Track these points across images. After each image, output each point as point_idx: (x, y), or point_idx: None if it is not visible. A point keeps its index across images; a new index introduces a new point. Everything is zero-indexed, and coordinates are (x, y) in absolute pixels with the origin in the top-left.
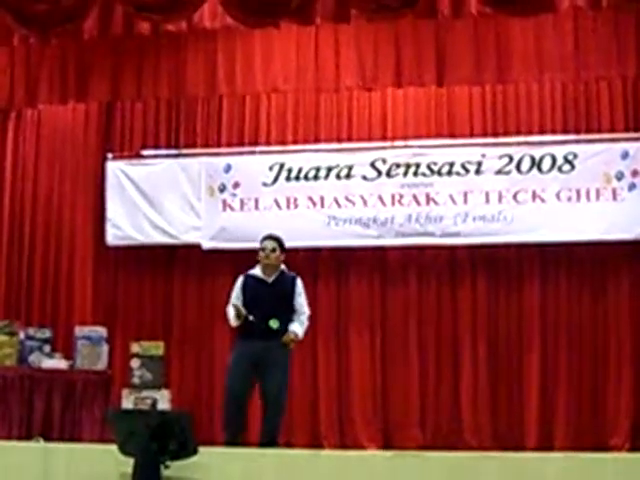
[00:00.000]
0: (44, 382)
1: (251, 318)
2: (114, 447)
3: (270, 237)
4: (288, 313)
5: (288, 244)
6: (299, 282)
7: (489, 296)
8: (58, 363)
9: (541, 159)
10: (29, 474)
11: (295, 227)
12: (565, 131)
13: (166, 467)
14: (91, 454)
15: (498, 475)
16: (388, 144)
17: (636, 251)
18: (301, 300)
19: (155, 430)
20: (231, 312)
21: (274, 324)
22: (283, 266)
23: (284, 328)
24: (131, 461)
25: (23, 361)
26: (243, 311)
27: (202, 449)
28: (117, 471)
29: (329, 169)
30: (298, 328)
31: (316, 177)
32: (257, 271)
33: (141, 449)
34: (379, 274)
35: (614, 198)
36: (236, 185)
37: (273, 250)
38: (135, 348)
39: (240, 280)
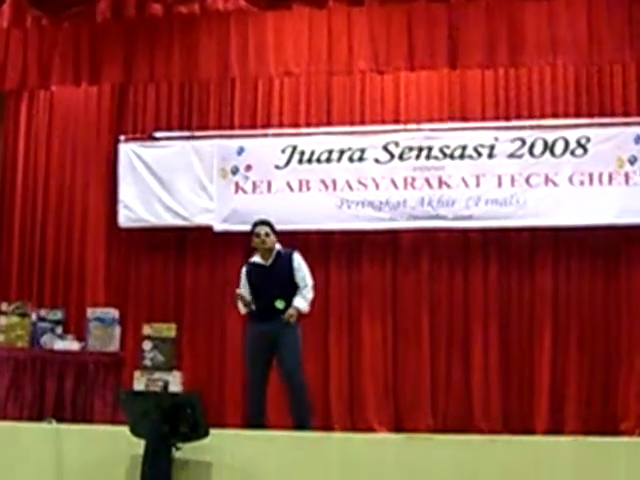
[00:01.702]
0: (56, 364)
1: (253, 307)
2: (125, 429)
3: (262, 222)
4: (292, 289)
5: (300, 227)
6: (296, 257)
7: (501, 279)
8: (70, 345)
9: (554, 143)
10: (41, 455)
11: (307, 210)
12: (578, 115)
13: (177, 449)
14: (102, 436)
15: (508, 459)
16: (401, 127)
17: None
18: (301, 274)
19: (166, 412)
20: (239, 302)
21: (279, 304)
22: (278, 246)
23: (290, 305)
24: (142, 443)
25: (35, 343)
26: (247, 299)
27: (213, 431)
28: (128, 453)
29: (341, 152)
30: (301, 302)
31: (328, 160)
32: (257, 257)
33: (152, 431)
34: (391, 257)
35: (627, 182)
36: (248, 168)
37: (267, 235)
38: (147, 330)
39: (244, 269)
